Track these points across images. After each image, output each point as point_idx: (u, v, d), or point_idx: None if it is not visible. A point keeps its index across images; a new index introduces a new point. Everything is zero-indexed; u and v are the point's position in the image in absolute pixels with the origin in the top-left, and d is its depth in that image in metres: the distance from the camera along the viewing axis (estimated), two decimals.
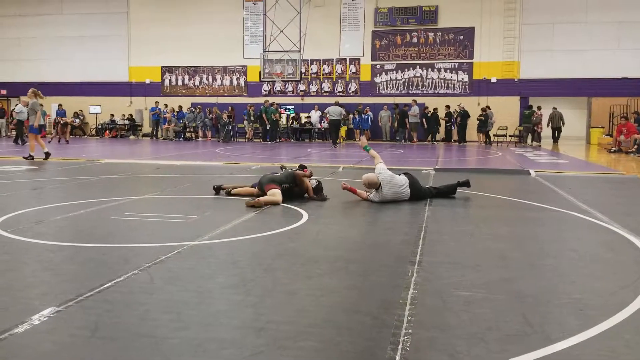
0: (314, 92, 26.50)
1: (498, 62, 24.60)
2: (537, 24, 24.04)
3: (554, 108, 24.23)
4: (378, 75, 25.83)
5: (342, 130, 24.27)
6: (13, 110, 23.96)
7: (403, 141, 24.05)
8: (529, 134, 23.54)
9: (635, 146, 17.89)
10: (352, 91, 26.12)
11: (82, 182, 9.43)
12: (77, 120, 28.14)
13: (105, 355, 2.64)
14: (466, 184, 8.00)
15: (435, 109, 24.22)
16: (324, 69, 26.34)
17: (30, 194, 8.07)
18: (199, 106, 26.11)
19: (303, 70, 25.90)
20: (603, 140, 22.73)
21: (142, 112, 28.00)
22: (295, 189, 7.42)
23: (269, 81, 26.36)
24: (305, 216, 6.26)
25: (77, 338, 2.81)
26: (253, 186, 7.63)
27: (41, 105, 13.94)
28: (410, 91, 25.42)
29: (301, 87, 26.53)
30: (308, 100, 26.27)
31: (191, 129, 25.79)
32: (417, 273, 4.03)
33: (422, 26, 25.10)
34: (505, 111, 24.24)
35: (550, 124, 24.38)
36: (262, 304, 3.34)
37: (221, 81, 27.42)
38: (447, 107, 24.26)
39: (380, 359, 2.62)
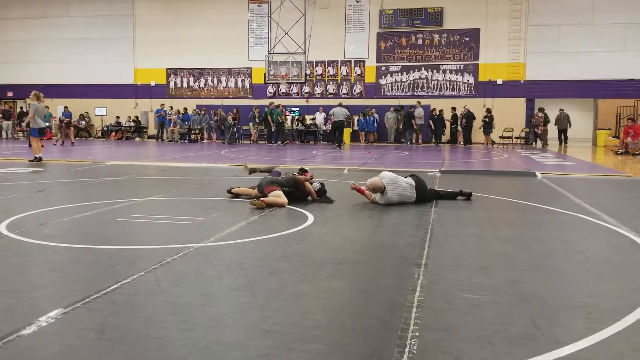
0: (318, 94, 26.50)
1: (504, 64, 24.54)
2: (543, 25, 23.98)
3: (561, 110, 24.16)
4: (383, 77, 25.82)
5: (347, 132, 24.25)
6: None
7: (409, 143, 23.99)
8: (544, 136, 23.47)
9: None
10: (357, 93, 26.12)
11: (88, 184, 9.45)
12: (83, 122, 28.26)
13: (111, 356, 2.65)
14: (468, 195, 7.92)
15: (441, 111, 24.19)
16: (328, 71, 26.35)
17: (36, 195, 8.10)
18: (203, 108, 26.17)
19: (308, 72, 25.90)
20: (610, 142, 22.64)
21: (148, 114, 28.07)
22: (297, 193, 7.40)
23: (274, 83, 26.37)
24: (311, 218, 6.25)
25: (83, 340, 2.82)
26: (253, 188, 7.64)
27: (47, 107, 14.00)
28: (415, 93, 25.39)
29: (306, 89, 26.55)
30: (313, 102, 26.28)
31: (197, 131, 25.84)
32: (423, 275, 4.01)
33: (427, 28, 25.07)
34: (511, 113, 24.16)
35: (557, 126, 24.30)
36: (268, 306, 3.34)
37: (226, 83, 27.46)
38: (453, 108, 24.22)
39: None
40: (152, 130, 27.80)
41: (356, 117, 25.33)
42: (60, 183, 9.66)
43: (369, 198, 7.44)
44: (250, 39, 26.81)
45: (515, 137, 23.48)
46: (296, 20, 24.83)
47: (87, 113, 28.36)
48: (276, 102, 25.16)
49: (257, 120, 25.16)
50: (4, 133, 26.86)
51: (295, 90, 26.79)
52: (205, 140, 25.68)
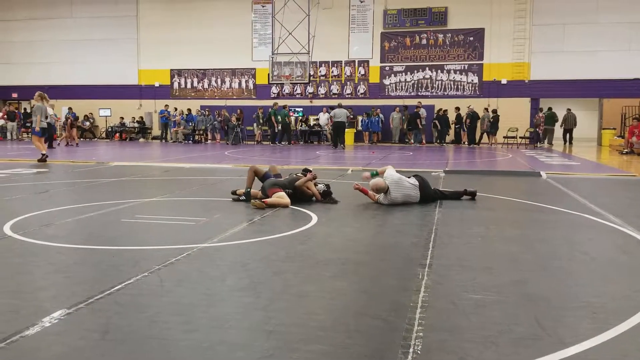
0: (322, 94, 26.50)
1: (508, 64, 24.49)
2: (547, 25, 23.91)
3: (568, 109, 24.07)
4: (387, 77, 25.79)
5: (351, 133, 24.24)
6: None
7: (419, 144, 23.94)
8: (549, 135, 23.42)
9: None
10: (361, 93, 26.10)
11: (92, 184, 9.47)
12: (87, 123, 28.33)
13: (115, 357, 2.64)
14: (472, 194, 7.90)
15: (445, 111, 24.15)
16: (332, 71, 26.34)
17: (40, 196, 8.11)
18: (207, 109, 26.20)
19: (311, 73, 25.92)
20: (615, 142, 22.54)
21: (152, 114, 28.13)
22: (299, 195, 7.37)
23: (278, 83, 26.40)
24: (315, 218, 6.24)
25: (87, 340, 2.81)
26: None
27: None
28: (419, 93, 25.35)
29: (310, 89, 26.54)
30: (317, 102, 26.28)
31: (201, 132, 25.87)
32: (427, 276, 4.00)
33: (431, 27, 25.03)
34: (516, 113, 24.10)
35: (563, 125, 24.24)
36: (272, 307, 3.33)
37: (230, 84, 27.49)
38: (457, 109, 24.17)
39: None
40: (156, 131, 27.86)
41: (360, 118, 25.32)
42: (65, 184, 9.69)
43: (372, 198, 7.42)
44: (254, 39, 26.83)
45: (520, 137, 23.42)
46: (300, 20, 24.85)
47: (92, 114, 28.45)
48: (280, 102, 25.17)
49: (261, 121, 25.17)
50: (8, 134, 26.94)
51: (299, 91, 26.79)
52: (209, 141, 25.70)
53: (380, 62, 25.75)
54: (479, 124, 23.80)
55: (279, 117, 23.88)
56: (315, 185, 7.51)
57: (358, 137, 25.15)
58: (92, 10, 28.18)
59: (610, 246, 5.17)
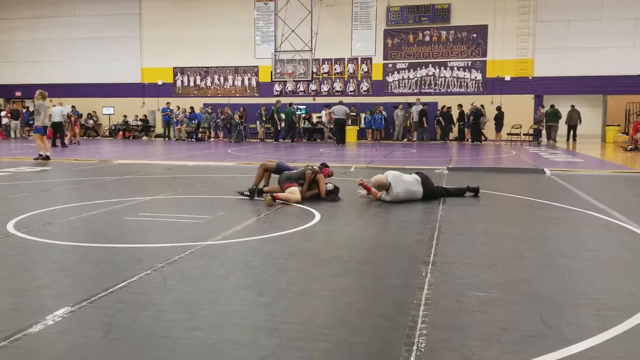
0: (325, 91, 26.47)
1: (512, 60, 24.42)
2: (551, 21, 23.82)
3: (572, 106, 24.02)
4: (390, 74, 25.74)
5: (354, 130, 24.24)
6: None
7: (421, 140, 23.90)
8: (551, 132, 23.36)
9: None
10: (364, 90, 26.06)
11: (96, 182, 9.48)
12: (91, 122, 28.38)
13: (118, 355, 2.64)
14: (475, 190, 7.89)
15: (449, 108, 24.10)
16: (335, 69, 26.31)
17: (44, 194, 8.13)
18: (210, 107, 26.20)
19: (314, 70, 25.87)
20: (619, 139, 22.47)
21: (155, 113, 28.14)
22: (314, 185, 7.39)
23: (281, 81, 26.37)
24: (318, 216, 6.23)
25: (90, 338, 2.81)
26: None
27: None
28: (422, 90, 25.30)
29: (313, 87, 26.52)
30: (320, 100, 26.25)
31: (206, 130, 25.87)
32: (431, 273, 3.99)
33: (434, 24, 24.97)
34: (519, 109, 24.03)
35: (567, 122, 24.16)
36: (275, 305, 3.32)
37: (233, 82, 27.49)
38: (460, 106, 24.12)
39: None
40: (159, 129, 27.87)
41: (363, 115, 25.28)
42: (68, 182, 9.70)
43: (375, 196, 7.40)
44: (256, 37, 26.81)
45: (524, 134, 23.36)
46: (302, 18, 24.80)
47: (95, 112, 28.48)
48: (283, 100, 25.16)
49: (263, 119, 25.16)
50: (12, 132, 27.01)
51: (302, 88, 26.77)
52: (212, 139, 25.71)
53: (383, 59, 25.70)
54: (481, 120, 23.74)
55: (282, 115, 23.89)
56: (326, 184, 7.51)
57: (361, 135, 25.11)
58: (95, 9, 28.20)
59: (614, 243, 5.14)
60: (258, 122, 25.39)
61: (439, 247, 4.81)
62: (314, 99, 26.44)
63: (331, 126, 24.36)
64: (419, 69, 25.39)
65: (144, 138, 27.28)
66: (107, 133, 28.48)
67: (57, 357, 2.63)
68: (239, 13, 26.57)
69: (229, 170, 11.64)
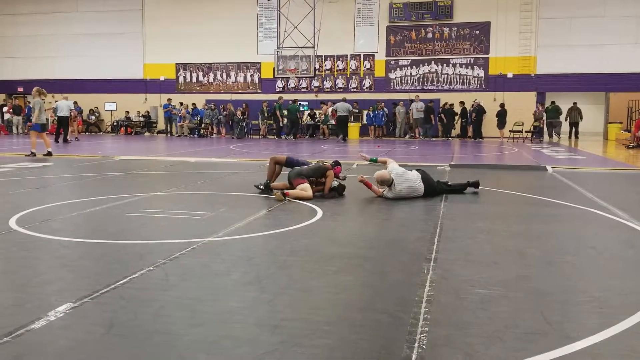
0: (327, 88, 26.42)
1: (514, 57, 24.34)
2: (554, 18, 23.74)
3: (574, 103, 23.93)
4: (392, 71, 25.69)
5: (356, 127, 24.22)
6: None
7: (426, 137, 23.86)
8: (553, 129, 23.31)
9: None
10: (367, 87, 26.02)
11: (98, 178, 9.49)
12: (93, 117, 28.38)
13: (120, 351, 2.65)
14: (475, 184, 7.92)
15: (451, 105, 24.06)
16: (338, 65, 26.26)
17: (46, 190, 8.14)
18: (213, 103, 26.18)
19: (317, 67, 25.83)
20: (621, 136, 22.40)
21: (157, 109, 28.14)
22: (322, 181, 7.40)
23: (283, 77, 26.33)
24: (320, 213, 6.23)
25: (92, 334, 2.82)
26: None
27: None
28: (425, 87, 25.25)
29: (315, 83, 26.48)
30: (322, 96, 26.20)
31: (208, 126, 25.85)
32: (433, 270, 3.98)
33: (437, 21, 24.90)
34: (522, 107, 23.96)
35: (568, 119, 24.10)
36: (277, 301, 3.32)
37: (235, 78, 27.45)
38: (462, 103, 24.07)
39: (397, 357, 2.59)
40: (161, 125, 27.86)
41: (366, 112, 25.25)
42: (70, 178, 9.70)
43: (376, 193, 7.40)
44: (259, 33, 26.76)
45: (526, 131, 23.31)
46: (305, 14, 24.76)
47: (97, 108, 28.48)
48: (286, 96, 25.12)
49: (265, 115, 25.15)
50: (14, 128, 27.03)
51: (304, 85, 26.73)
52: (214, 135, 25.70)
53: (386, 56, 25.64)
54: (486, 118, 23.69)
55: (285, 112, 23.88)
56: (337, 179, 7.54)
57: (364, 131, 25.08)
58: (97, 4, 28.16)
59: (616, 241, 5.14)
60: (260, 118, 25.37)
61: (440, 244, 4.80)
62: (316, 96, 26.40)
63: (333, 122, 24.37)
64: (421, 65, 25.34)
65: (146, 134, 27.28)
66: (109, 129, 28.49)
67: (59, 352, 2.63)
68: (242, 9, 26.52)
69: (230, 166, 11.64)
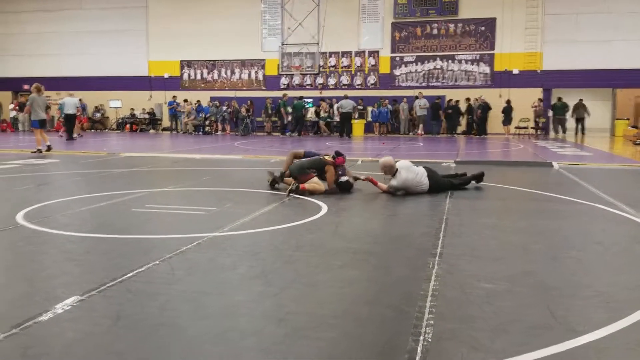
0: (332, 85, 26.39)
1: (520, 54, 24.25)
2: (560, 14, 23.62)
3: (580, 99, 23.85)
4: (397, 67, 25.63)
5: (361, 124, 24.18)
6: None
7: (436, 134, 23.84)
8: (560, 126, 23.23)
9: None
10: (371, 84, 25.97)
11: (104, 174, 9.52)
12: (98, 115, 28.45)
13: (127, 343, 2.66)
14: (480, 177, 7.93)
15: (457, 102, 24.00)
16: (342, 62, 26.21)
17: (52, 186, 8.18)
18: (217, 100, 26.21)
19: (321, 63, 25.81)
20: (628, 132, 22.30)
21: (162, 106, 28.19)
22: (325, 175, 7.41)
23: (288, 74, 26.33)
24: (325, 208, 6.24)
25: (99, 327, 2.84)
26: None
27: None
28: (430, 83, 25.19)
29: (319, 80, 26.45)
30: (326, 93, 26.17)
31: (213, 123, 25.87)
32: (438, 265, 3.98)
33: (442, 17, 24.81)
34: (528, 103, 23.87)
35: (574, 115, 24.00)
36: (283, 295, 3.33)
37: (239, 75, 27.45)
38: (467, 99, 24.01)
39: (402, 350, 2.60)
40: (166, 122, 27.91)
41: (370, 109, 25.21)
42: (76, 174, 9.74)
43: (381, 189, 7.40)
44: (263, 30, 26.73)
45: (532, 128, 23.23)
46: (309, 10, 24.73)
47: (102, 105, 28.55)
48: (290, 93, 25.11)
49: (269, 112, 25.15)
50: (20, 125, 27.14)
51: (308, 82, 26.71)
52: (219, 132, 25.74)
53: (391, 53, 25.57)
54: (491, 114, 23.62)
55: (289, 109, 23.87)
56: (339, 175, 7.48)
57: (368, 128, 25.04)
58: (101, 2, 28.20)
59: (623, 236, 5.12)
60: (264, 115, 25.36)
61: (446, 239, 4.80)
62: (320, 93, 26.37)
63: (336, 119, 24.37)
64: (426, 62, 25.26)
65: (151, 131, 27.33)
66: (114, 126, 28.56)
67: (67, 344, 2.65)
68: (246, 6, 26.49)
69: (235, 163, 11.66)
